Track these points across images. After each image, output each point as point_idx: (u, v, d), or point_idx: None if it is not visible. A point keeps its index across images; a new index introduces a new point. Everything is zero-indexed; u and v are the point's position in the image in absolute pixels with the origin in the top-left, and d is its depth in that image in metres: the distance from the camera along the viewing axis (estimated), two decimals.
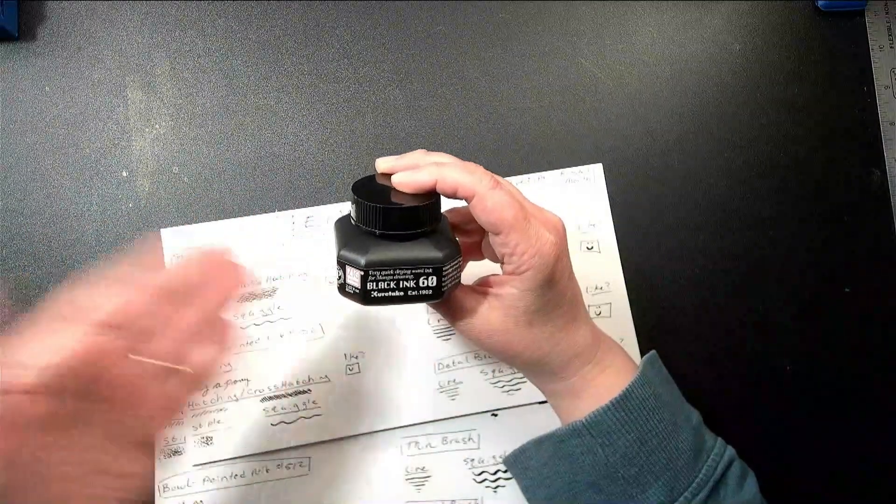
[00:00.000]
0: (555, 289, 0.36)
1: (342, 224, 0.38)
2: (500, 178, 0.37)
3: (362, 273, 0.35)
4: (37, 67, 0.49)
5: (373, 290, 0.35)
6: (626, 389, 0.38)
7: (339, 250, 0.35)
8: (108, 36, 0.50)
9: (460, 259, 0.37)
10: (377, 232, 0.35)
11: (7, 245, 0.48)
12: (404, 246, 0.35)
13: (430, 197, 0.36)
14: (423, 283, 0.35)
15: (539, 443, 0.41)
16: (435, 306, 0.39)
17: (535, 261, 0.35)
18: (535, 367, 0.39)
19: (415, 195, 0.36)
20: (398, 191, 0.36)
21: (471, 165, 0.37)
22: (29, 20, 0.50)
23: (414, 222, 0.35)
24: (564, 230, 0.38)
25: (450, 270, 0.36)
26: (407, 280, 0.35)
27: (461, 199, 0.36)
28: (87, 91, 0.49)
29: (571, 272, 0.38)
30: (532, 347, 0.38)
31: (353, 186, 0.37)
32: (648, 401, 0.38)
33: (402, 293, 0.35)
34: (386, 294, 0.35)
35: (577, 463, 0.39)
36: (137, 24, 0.50)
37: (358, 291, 0.35)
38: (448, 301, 0.38)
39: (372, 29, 0.51)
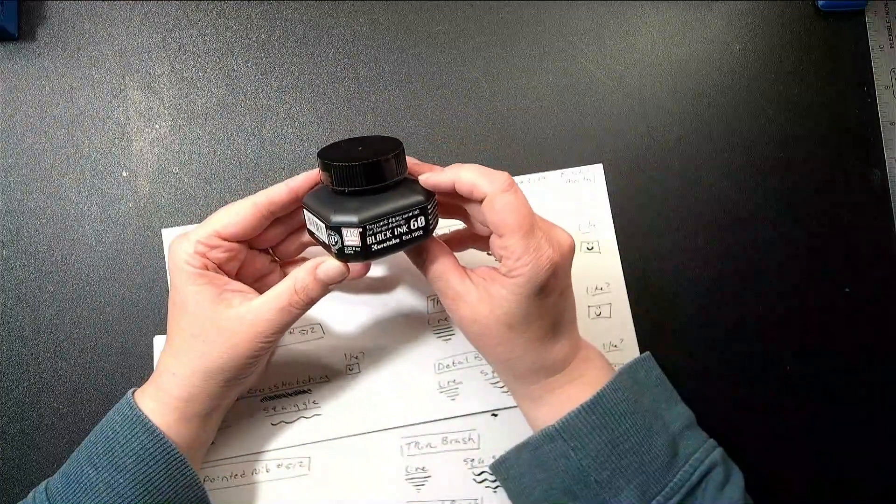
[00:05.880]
0: (542, 301, 0.37)
1: (314, 199, 0.39)
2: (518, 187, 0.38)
3: (361, 230, 0.36)
4: (37, 67, 0.49)
5: (373, 243, 0.37)
6: (598, 393, 0.39)
7: (331, 217, 0.36)
8: (108, 36, 0.50)
9: (435, 199, 0.39)
10: (347, 190, 0.37)
11: (7, 245, 0.48)
12: (386, 196, 0.37)
13: (395, 147, 0.37)
14: (414, 224, 0.37)
15: (518, 451, 0.41)
16: (434, 286, 0.40)
17: (527, 269, 0.36)
18: (502, 366, 0.41)
19: (377, 151, 0.37)
20: (357, 151, 0.38)
21: (494, 172, 0.37)
22: (29, 20, 0.50)
23: (388, 172, 0.37)
24: (571, 250, 0.38)
25: (432, 209, 0.38)
26: (399, 226, 0.37)
27: (477, 199, 0.37)
28: (87, 91, 0.49)
29: (566, 291, 0.39)
30: (504, 347, 0.39)
31: (319, 154, 0.38)
32: (620, 405, 0.39)
33: (398, 240, 0.37)
34: (385, 244, 0.37)
35: (552, 469, 0.39)
36: (137, 24, 0.50)
37: (359, 249, 0.37)
38: (447, 282, 0.39)
39: (372, 29, 0.51)
